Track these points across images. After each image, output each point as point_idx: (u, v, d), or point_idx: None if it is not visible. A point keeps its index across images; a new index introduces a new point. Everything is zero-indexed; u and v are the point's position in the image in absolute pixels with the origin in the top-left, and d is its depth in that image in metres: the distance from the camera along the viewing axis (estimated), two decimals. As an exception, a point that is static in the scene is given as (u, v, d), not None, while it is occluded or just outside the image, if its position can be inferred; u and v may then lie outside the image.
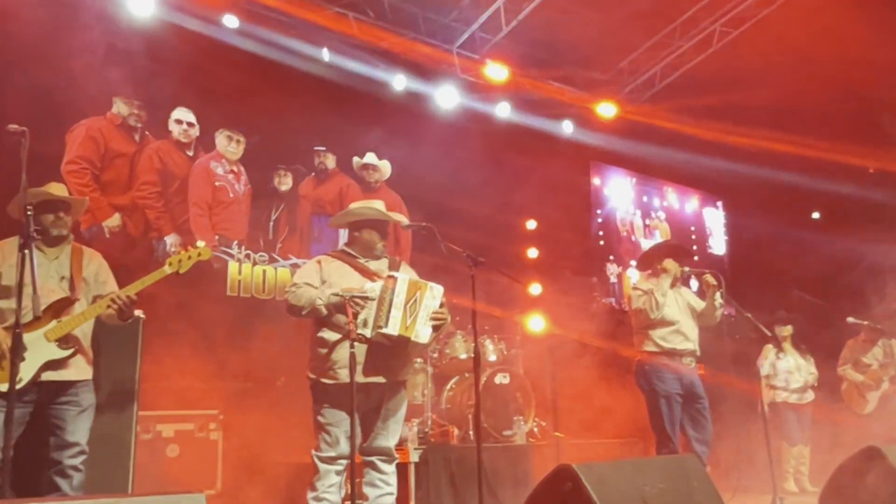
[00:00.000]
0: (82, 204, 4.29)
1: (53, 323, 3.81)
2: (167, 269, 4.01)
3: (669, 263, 5.65)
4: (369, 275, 4.25)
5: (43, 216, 3.93)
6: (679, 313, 5.59)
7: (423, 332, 4.08)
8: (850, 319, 7.92)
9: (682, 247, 6.48)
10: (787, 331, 7.78)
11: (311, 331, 4.28)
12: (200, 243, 4.12)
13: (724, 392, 6.91)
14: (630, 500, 3.37)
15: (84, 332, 3.98)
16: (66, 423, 3.84)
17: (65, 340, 3.83)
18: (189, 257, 4.04)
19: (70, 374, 3.87)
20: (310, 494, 4.11)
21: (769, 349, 7.72)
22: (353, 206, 4.52)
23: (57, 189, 4.08)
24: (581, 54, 9.76)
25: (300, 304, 4.11)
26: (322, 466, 4.08)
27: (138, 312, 4.74)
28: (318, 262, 4.36)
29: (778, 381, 7.63)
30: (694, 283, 8.95)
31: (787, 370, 7.65)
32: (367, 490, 4.19)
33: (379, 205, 4.45)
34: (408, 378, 4.42)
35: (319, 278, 4.23)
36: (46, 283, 3.79)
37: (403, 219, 4.60)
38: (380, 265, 4.40)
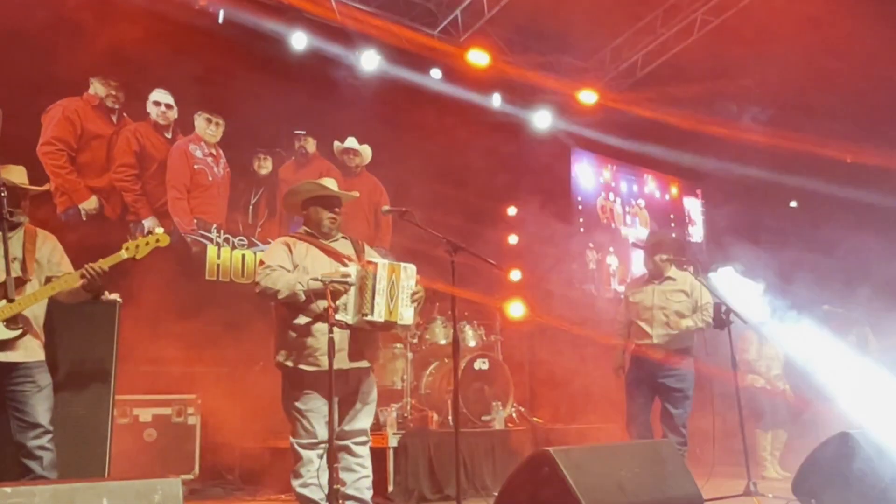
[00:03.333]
0: (42, 191, 4.23)
1: (3, 303, 3.73)
2: (123, 254, 3.93)
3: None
4: (339, 258, 4.23)
5: None
6: (653, 307, 5.83)
7: (406, 314, 4.07)
8: (826, 307, 7.99)
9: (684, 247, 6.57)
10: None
11: (281, 316, 4.21)
12: (159, 230, 4.10)
13: (698, 378, 6.97)
14: (606, 485, 3.41)
15: (35, 314, 3.90)
16: (25, 404, 3.79)
17: (13, 321, 3.75)
18: (147, 243, 3.97)
19: (17, 356, 3.79)
20: (296, 482, 4.08)
21: (753, 335, 7.75)
22: (299, 184, 4.48)
23: (17, 174, 4.00)
24: (563, 41, 9.75)
25: (276, 288, 4.02)
26: (304, 453, 4.06)
27: (115, 296, 4.70)
28: (286, 244, 4.27)
29: (760, 366, 7.69)
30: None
31: (770, 357, 7.71)
32: (343, 475, 4.18)
33: (329, 182, 4.40)
34: (379, 361, 4.42)
35: (291, 262, 4.17)
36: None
37: (354, 195, 4.54)
38: (343, 247, 4.36)
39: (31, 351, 3.86)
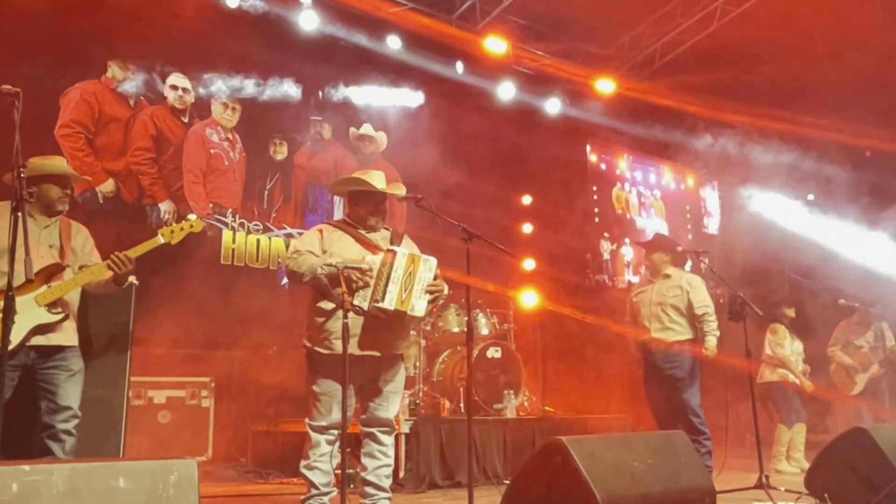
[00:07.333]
0: (80, 179, 4.42)
1: (44, 288, 3.85)
2: (160, 240, 4.08)
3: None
4: (370, 246, 4.23)
5: (50, 190, 4.01)
6: (648, 305, 6.16)
7: (418, 306, 4.07)
8: (842, 301, 7.93)
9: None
10: (792, 313, 7.74)
11: (309, 300, 4.28)
12: (192, 216, 4.26)
13: (712, 370, 6.95)
14: (618, 475, 3.40)
15: (72, 300, 4.03)
16: (58, 387, 3.87)
17: (55, 305, 3.87)
18: (181, 229, 4.14)
19: (59, 339, 3.90)
20: (302, 463, 4.13)
21: (784, 331, 7.61)
22: (355, 175, 4.50)
23: (61, 163, 4.18)
24: (581, 29, 9.67)
25: (301, 272, 4.09)
26: (314, 436, 4.10)
27: (132, 279, 4.74)
28: (320, 230, 4.34)
29: (792, 361, 7.58)
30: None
31: (798, 352, 7.62)
32: (365, 461, 4.20)
33: (378, 177, 4.41)
34: (404, 351, 4.40)
35: (320, 247, 4.22)
36: (37, 249, 3.81)
37: (401, 189, 4.53)
38: (380, 237, 4.37)
39: (70, 335, 3.98)
